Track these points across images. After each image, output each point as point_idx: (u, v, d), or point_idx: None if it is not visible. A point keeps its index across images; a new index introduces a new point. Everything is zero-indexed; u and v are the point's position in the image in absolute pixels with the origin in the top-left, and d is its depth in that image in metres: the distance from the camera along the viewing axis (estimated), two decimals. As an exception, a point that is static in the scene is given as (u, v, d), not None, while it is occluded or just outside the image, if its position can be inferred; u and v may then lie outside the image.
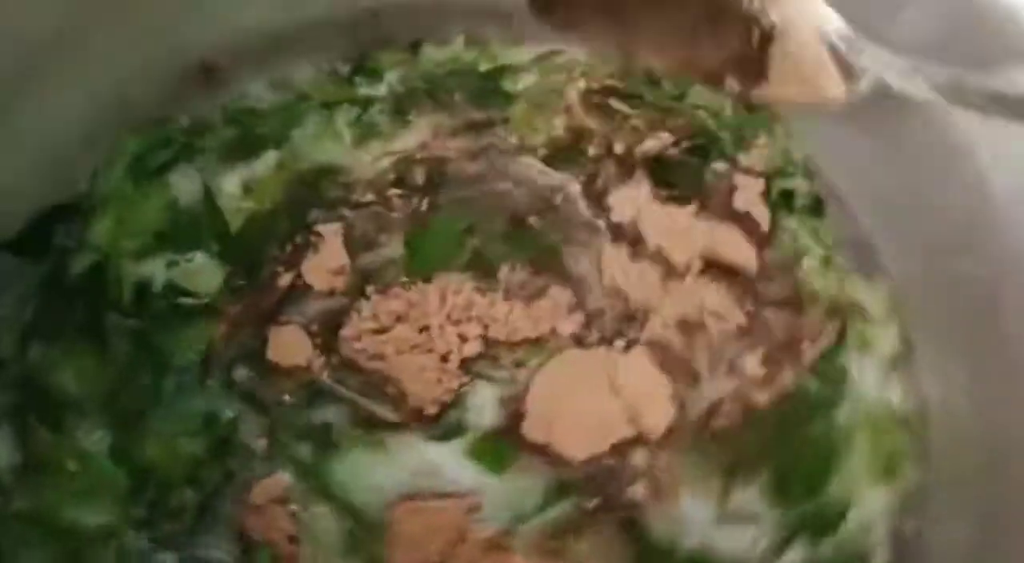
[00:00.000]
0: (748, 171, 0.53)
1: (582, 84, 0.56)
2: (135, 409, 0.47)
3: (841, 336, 0.51)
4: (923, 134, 0.49)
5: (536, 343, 0.49)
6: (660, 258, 0.51)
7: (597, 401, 0.49)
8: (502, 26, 0.55)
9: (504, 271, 0.50)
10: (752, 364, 0.50)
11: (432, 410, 0.48)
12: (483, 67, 0.57)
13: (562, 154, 0.54)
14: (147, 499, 0.47)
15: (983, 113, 0.39)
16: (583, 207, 0.53)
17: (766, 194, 0.53)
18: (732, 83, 0.44)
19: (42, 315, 0.49)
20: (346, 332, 0.49)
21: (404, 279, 0.50)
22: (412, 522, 0.47)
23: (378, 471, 0.47)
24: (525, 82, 0.56)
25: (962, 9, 0.46)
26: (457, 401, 0.48)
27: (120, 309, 0.49)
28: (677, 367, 0.50)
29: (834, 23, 0.42)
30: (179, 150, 0.52)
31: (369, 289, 0.50)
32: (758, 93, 0.44)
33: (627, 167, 0.54)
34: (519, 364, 0.49)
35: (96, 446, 0.47)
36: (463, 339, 0.49)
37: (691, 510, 0.48)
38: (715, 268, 0.51)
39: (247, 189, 0.52)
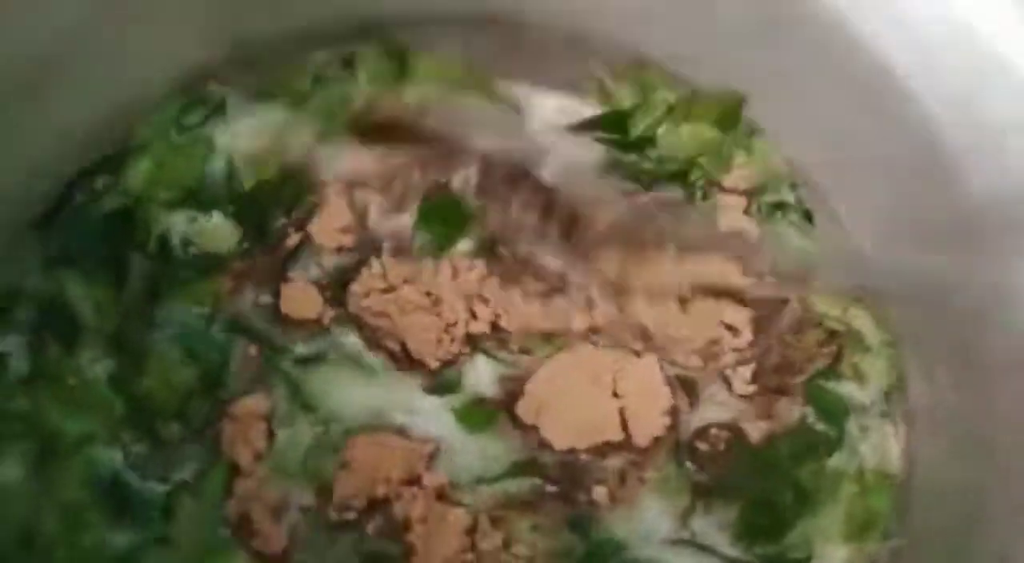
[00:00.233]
0: (732, 191, 0.52)
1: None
2: (140, 346, 0.49)
3: (836, 360, 0.50)
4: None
5: (547, 336, 0.50)
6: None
7: (596, 400, 0.49)
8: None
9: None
10: (741, 382, 0.50)
11: (434, 365, 0.49)
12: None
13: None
14: (137, 428, 0.48)
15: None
16: None
17: (756, 209, 0.52)
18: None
19: (70, 244, 0.50)
20: (355, 288, 0.50)
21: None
22: (367, 452, 0.48)
23: (357, 390, 0.49)
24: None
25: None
26: (458, 363, 0.50)
27: (144, 252, 0.50)
28: (682, 384, 0.50)
29: None
30: (215, 107, 0.52)
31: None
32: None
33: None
34: (525, 351, 0.50)
35: (98, 372, 0.49)
36: (472, 315, 0.50)
37: (649, 521, 0.48)
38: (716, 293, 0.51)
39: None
